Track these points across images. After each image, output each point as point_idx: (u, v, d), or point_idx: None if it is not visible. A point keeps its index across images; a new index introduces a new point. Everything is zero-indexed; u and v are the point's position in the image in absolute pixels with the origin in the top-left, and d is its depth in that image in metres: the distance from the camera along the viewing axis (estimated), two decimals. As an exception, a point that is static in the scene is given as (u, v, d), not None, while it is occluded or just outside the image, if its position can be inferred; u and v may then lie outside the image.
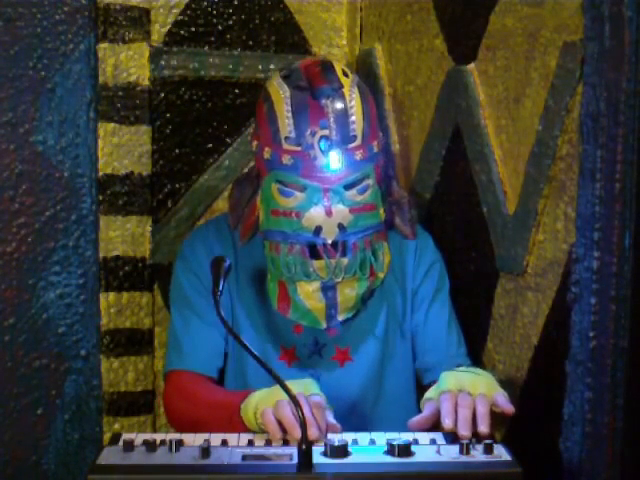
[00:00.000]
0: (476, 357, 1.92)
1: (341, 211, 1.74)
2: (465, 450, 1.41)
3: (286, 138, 1.73)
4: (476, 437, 1.48)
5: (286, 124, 1.73)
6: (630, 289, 1.51)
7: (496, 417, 1.56)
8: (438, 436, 1.52)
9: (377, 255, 1.81)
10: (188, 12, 2.24)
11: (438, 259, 1.95)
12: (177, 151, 2.26)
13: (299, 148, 1.72)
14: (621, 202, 1.50)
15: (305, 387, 1.57)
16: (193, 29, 2.25)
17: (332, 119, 1.72)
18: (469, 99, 1.91)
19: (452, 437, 1.50)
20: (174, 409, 1.83)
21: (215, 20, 2.27)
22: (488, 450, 1.41)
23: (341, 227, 1.74)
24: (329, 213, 1.73)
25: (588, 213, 1.54)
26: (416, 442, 1.47)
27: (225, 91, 2.28)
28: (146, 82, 2.18)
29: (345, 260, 1.76)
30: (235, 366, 1.87)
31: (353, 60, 2.38)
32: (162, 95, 2.22)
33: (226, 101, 2.29)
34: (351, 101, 1.74)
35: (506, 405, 1.55)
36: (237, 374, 1.87)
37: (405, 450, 1.40)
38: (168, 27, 2.22)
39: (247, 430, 1.58)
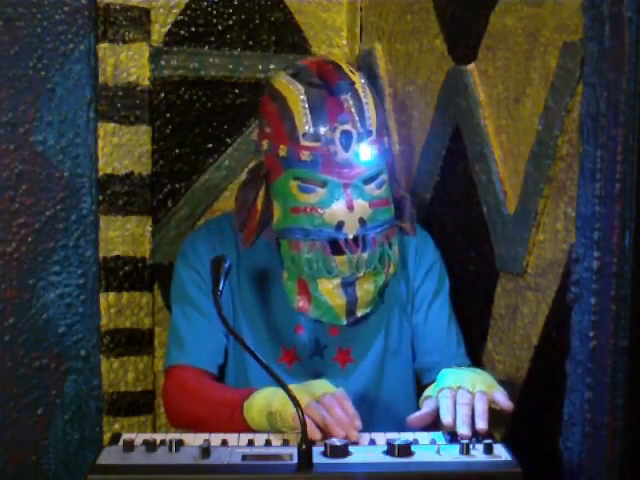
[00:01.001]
0: (476, 357, 1.92)
1: (362, 205, 1.74)
2: (465, 450, 1.41)
3: (304, 135, 1.73)
4: (475, 435, 1.48)
5: (303, 121, 1.73)
6: (630, 289, 1.51)
7: (495, 415, 1.57)
8: (438, 436, 1.52)
9: (393, 248, 1.81)
10: (188, 12, 2.24)
11: (438, 259, 1.95)
12: (177, 151, 2.26)
13: (318, 144, 1.72)
14: (621, 202, 1.50)
15: (326, 387, 1.57)
16: (193, 29, 2.24)
17: (352, 114, 1.73)
18: (469, 99, 1.91)
19: (452, 437, 1.50)
20: (174, 404, 1.83)
21: (215, 20, 2.26)
22: (488, 450, 1.41)
23: (362, 222, 1.74)
24: (351, 208, 1.73)
25: (588, 213, 1.54)
26: (416, 442, 1.47)
27: (225, 91, 2.28)
28: (146, 82, 2.18)
29: (365, 255, 1.76)
30: (236, 364, 1.87)
31: (353, 60, 2.37)
32: (162, 95, 2.22)
33: (226, 101, 2.29)
34: (365, 97, 1.76)
35: (505, 402, 1.56)
36: (238, 372, 1.86)
37: (405, 450, 1.40)
38: (168, 27, 2.22)
39: (247, 428, 1.58)
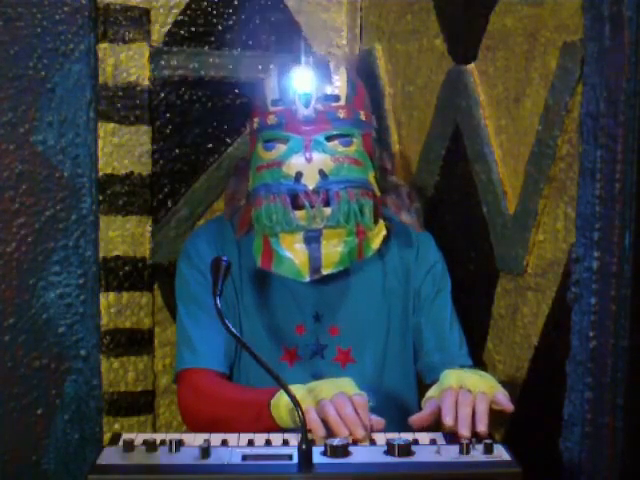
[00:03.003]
0: (476, 357, 1.92)
1: (322, 158, 1.76)
2: (465, 450, 1.41)
3: (272, 102, 1.81)
4: (475, 436, 1.48)
5: (272, 89, 1.81)
6: (630, 289, 1.52)
7: (496, 416, 1.56)
8: (438, 436, 1.52)
9: (363, 210, 1.78)
10: (188, 12, 2.24)
11: (439, 259, 1.95)
12: (177, 151, 2.26)
13: (282, 107, 1.79)
14: (621, 202, 1.50)
15: (345, 387, 1.57)
16: (193, 29, 2.25)
17: (314, 76, 1.79)
18: (469, 99, 1.91)
19: (452, 437, 1.50)
20: (192, 409, 1.81)
21: (215, 20, 2.26)
22: (488, 450, 1.41)
23: (322, 174, 1.75)
24: (309, 159, 1.76)
25: (588, 213, 1.54)
26: (416, 442, 1.47)
27: (225, 91, 2.29)
28: (146, 82, 2.18)
29: (328, 210, 1.75)
30: (239, 363, 1.87)
31: (353, 60, 2.38)
32: (162, 95, 2.22)
33: (226, 101, 2.29)
34: (336, 68, 1.84)
35: (506, 403, 1.56)
36: (241, 371, 1.86)
37: (405, 450, 1.40)
38: (168, 27, 2.22)
39: (274, 426, 1.59)
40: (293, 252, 1.76)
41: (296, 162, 1.75)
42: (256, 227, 1.80)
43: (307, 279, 1.77)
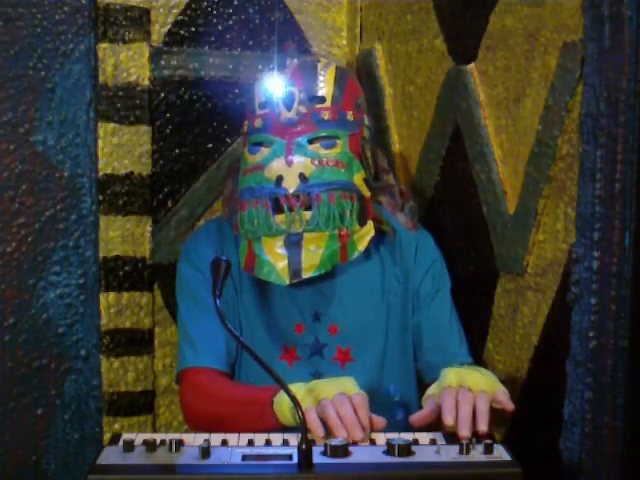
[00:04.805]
0: (476, 357, 1.92)
1: (302, 161, 1.76)
2: (465, 450, 1.41)
3: (259, 105, 1.82)
4: (476, 435, 1.48)
5: (260, 93, 1.82)
6: (630, 289, 1.52)
7: (496, 415, 1.56)
8: (438, 436, 1.52)
9: (344, 213, 1.77)
10: (188, 12, 2.24)
11: (438, 258, 1.95)
12: (177, 151, 2.26)
13: (267, 110, 1.80)
14: (621, 202, 1.50)
15: (346, 387, 1.57)
16: (193, 29, 2.25)
17: (300, 78, 1.80)
18: (469, 99, 1.91)
19: (452, 437, 1.50)
20: (194, 408, 1.82)
21: (215, 20, 2.27)
22: (488, 450, 1.41)
23: (302, 177, 1.75)
24: (290, 163, 1.76)
25: (588, 213, 1.54)
26: (416, 442, 1.47)
27: (225, 91, 2.29)
28: (146, 82, 2.18)
29: (308, 213, 1.75)
30: (240, 362, 1.87)
31: (353, 60, 2.38)
32: (162, 95, 2.22)
33: (226, 101, 2.29)
34: (323, 68, 1.83)
35: (507, 402, 1.56)
36: (241, 370, 1.86)
37: (405, 450, 1.40)
38: (168, 27, 2.22)
39: (279, 424, 1.59)
40: (273, 256, 1.77)
41: (277, 165, 1.76)
42: (241, 231, 1.80)
43: (287, 283, 1.77)
